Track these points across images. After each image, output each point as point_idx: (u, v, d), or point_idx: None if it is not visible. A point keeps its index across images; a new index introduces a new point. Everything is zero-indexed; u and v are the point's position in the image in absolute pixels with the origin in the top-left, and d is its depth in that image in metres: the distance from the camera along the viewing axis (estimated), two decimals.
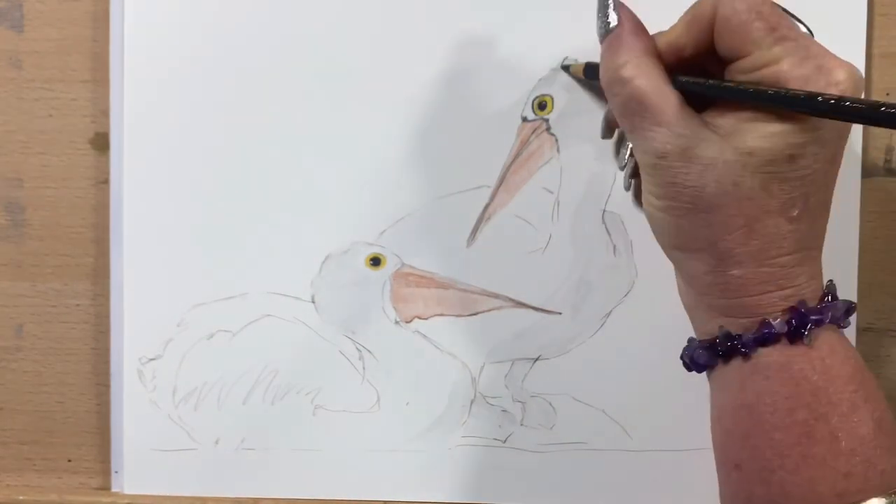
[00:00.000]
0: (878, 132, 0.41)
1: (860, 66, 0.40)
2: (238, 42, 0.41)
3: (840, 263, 0.41)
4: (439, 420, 0.42)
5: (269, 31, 0.41)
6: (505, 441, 0.42)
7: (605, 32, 0.34)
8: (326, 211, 0.41)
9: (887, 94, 0.41)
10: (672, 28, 0.34)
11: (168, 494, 0.42)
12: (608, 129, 0.40)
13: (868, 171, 0.41)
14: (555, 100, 0.41)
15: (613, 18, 0.34)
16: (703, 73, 0.34)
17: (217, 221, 0.42)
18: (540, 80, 0.41)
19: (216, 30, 0.41)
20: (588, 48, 0.40)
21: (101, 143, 0.42)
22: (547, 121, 0.41)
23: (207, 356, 0.42)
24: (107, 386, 0.43)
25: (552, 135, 0.41)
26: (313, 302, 0.42)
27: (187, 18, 0.41)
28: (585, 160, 0.41)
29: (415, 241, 0.41)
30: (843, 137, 0.32)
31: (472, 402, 0.42)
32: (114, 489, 0.43)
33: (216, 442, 0.42)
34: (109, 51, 0.41)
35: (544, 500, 0.42)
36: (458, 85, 0.41)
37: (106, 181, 0.42)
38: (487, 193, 0.41)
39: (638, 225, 0.41)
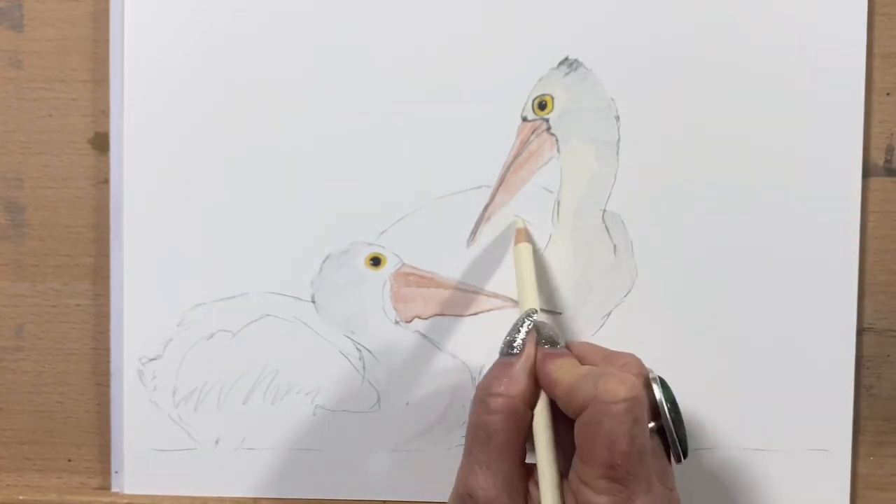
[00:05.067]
0: (879, 132, 0.41)
1: (860, 66, 0.40)
2: (238, 42, 0.41)
3: (840, 263, 0.41)
4: (439, 420, 0.42)
5: (268, 32, 0.41)
6: None
7: (505, 353, 0.35)
8: (326, 211, 0.41)
9: (888, 94, 0.41)
10: (566, 369, 0.34)
11: (168, 494, 0.43)
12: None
13: (868, 171, 0.41)
14: (555, 100, 0.41)
15: (518, 344, 0.35)
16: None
17: (217, 221, 0.42)
18: (540, 80, 0.41)
19: (216, 30, 0.41)
20: (588, 48, 0.40)
21: (101, 143, 0.42)
22: (547, 121, 0.41)
23: (207, 356, 0.42)
24: (107, 386, 0.43)
25: (552, 135, 0.41)
26: (313, 302, 0.42)
27: (187, 18, 0.41)
28: (585, 160, 0.41)
29: (415, 241, 0.41)
30: None
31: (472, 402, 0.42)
32: (114, 489, 0.43)
33: (216, 442, 0.42)
34: (109, 51, 0.41)
35: None
36: (458, 85, 0.41)
37: (106, 181, 0.42)
38: (487, 193, 0.41)
39: (638, 225, 0.41)
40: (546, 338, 0.36)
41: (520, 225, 0.41)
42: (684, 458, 0.35)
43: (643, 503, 0.32)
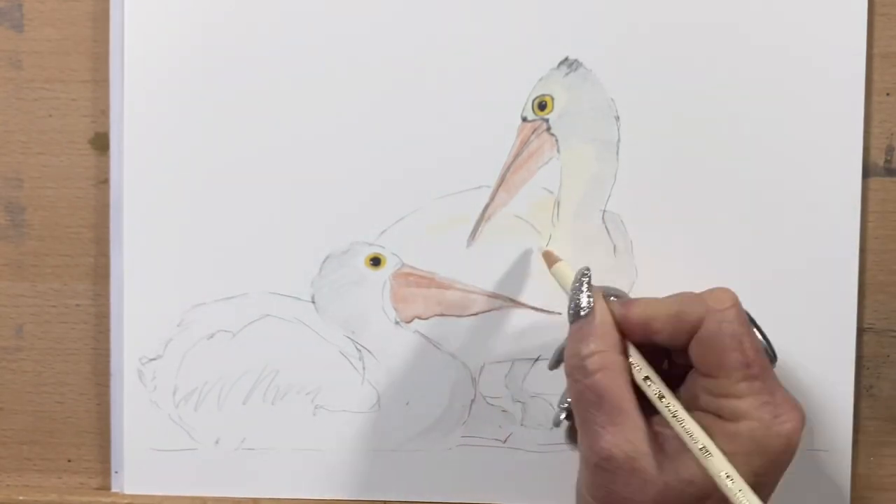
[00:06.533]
0: (879, 132, 0.41)
1: (860, 66, 0.40)
2: (238, 42, 0.41)
3: (840, 263, 0.41)
4: (439, 420, 0.42)
5: (268, 32, 0.41)
6: (505, 441, 0.42)
7: (576, 316, 0.35)
8: (326, 211, 0.41)
9: (888, 94, 0.41)
10: (654, 304, 0.34)
11: (168, 494, 0.43)
12: (557, 361, 0.38)
13: (868, 171, 0.41)
14: (555, 100, 0.41)
15: (585, 303, 0.35)
16: (668, 357, 0.35)
17: (217, 221, 0.42)
18: (540, 80, 0.41)
19: (216, 30, 0.41)
20: (588, 48, 0.40)
21: (101, 143, 0.42)
22: (547, 121, 0.41)
23: (207, 356, 0.42)
24: (107, 386, 0.43)
25: (552, 135, 0.41)
26: (313, 302, 0.42)
27: (187, 19, 0.41)
28: (585, 160, 0.41)
29: (415, 241, 0.41)
30: (778, 482, 0.33)
31: (472, 402, 0.42)
32: (114, 489, 0.43)
33: (216, 442, 0.42)
34: (109, 51, 0.41)
35: (544, 500, 0.42)
36: (458, 85, 0.41)
37: (106, 181, 0.42)
38: (487, 193, 0.41)
39: (638, 225, 0.41)
40: (612, 293, 0.36)
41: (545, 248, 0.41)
42: (775, 360, 0.35)
43: (783, 394, 0.33)
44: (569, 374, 0.34)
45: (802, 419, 0.33)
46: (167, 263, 0.42)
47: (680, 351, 0.34)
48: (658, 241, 0.41)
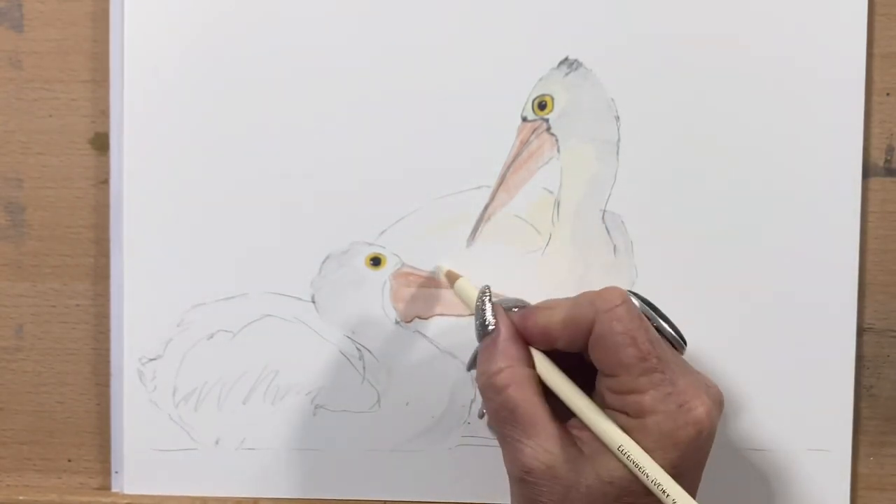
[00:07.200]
0: (879, 131, 0.41)
1: (860, 66, 0.40)
2: (238, 42, 0.41)
3: (840, 263, 0.41)
4: (439, 420, 0.42)
5: (268, 31, 0.41)
6: None
7: (483, 334, 0.35)
8: (326, 211, 0.41)
9: (887, 94, 0.41)
10: (550, 311, 0.35)
11: (168, 494, 0.43)
12: (473, 363, 0.38)
13: (868, 171, 0.41)
14: (555, 99, 0.41)
15: (490, 320, 0.35)
16: (578, 362, 0.35)
17: (217, 221, 0.42)
18: (540, 79, 0.41)
19: (216, 30, 0.41)
20: (588, 48, 0.40)
21: (101, 143, 0.42)
22: (547, 121, 0.41)
23: (207, 356, 0.42)
24: (107, 386, 0.43)
25: (552, 135, 0.41)
26: (313, 302, 0.42)
27: (187, 19, 0.41)
28: (585, 160, 0.41)
29: (415, 241, 0.41)
30: (702, 467, 0.33)
31: (472, 402, 0.42)
32: (114, 489, 0.43)
33: (216, 442, 0.42)
34: (109, 51, 0.41)
35: None
36: (458, 85, 0.41)
37: (106, 181, 0.42)
38: (487, 193, 0.41)
39: (638, 225, 0.41)
40: (512, 304, 0.37)
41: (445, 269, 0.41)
42: (684, 346, 0.36)
43: (687, 380, 0.32)
44: (482, 394, 0.35)
45: (714, 402, 0.33)
46: (167, 263, 0.42)
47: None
48: (658, 241, 0.41)
